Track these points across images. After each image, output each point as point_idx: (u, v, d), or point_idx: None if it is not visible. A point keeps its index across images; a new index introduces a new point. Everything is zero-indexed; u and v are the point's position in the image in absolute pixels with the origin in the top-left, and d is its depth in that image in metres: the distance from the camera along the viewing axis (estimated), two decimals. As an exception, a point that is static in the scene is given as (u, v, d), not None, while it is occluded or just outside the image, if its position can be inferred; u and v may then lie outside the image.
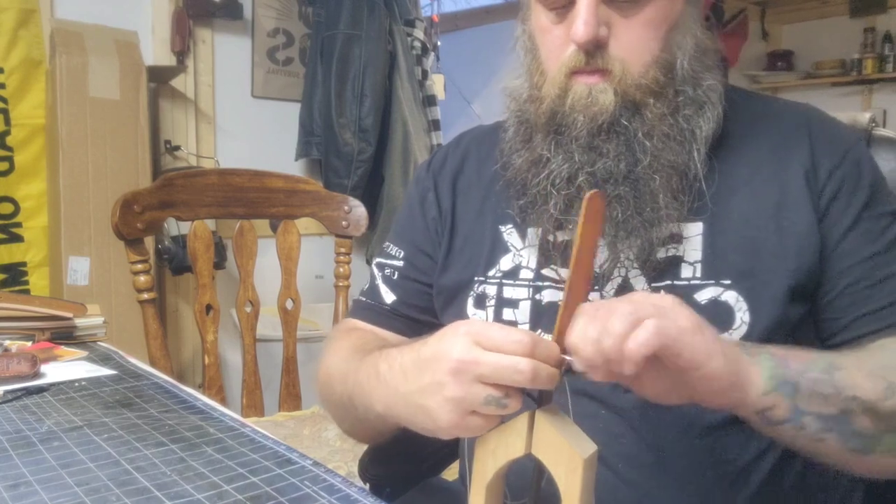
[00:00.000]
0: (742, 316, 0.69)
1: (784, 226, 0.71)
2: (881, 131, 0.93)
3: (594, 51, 0.69)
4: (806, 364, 0.61)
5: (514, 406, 0.55)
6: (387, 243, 0.93)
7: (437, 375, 0.56)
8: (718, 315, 0.69)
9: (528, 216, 0.77)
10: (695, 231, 0.72)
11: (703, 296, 0.71)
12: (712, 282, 0.71)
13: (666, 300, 0.55)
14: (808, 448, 0.63)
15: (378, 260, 0.93)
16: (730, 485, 0.70)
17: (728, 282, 0.70)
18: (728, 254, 0.71)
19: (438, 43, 3.00)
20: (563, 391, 0.69)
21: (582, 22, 0.67)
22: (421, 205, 0.90)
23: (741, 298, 0.70)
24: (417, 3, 2.80)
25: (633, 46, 0.70)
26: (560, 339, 0.56)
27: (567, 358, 0.56)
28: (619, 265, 0.73)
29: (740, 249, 0.71)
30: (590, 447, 0.55)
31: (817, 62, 4.56)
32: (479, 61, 3.70)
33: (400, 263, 0.90)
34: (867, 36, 4.37)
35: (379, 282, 0.91)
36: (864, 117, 0.93)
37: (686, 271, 0.72)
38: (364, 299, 0.92)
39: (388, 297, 0.90)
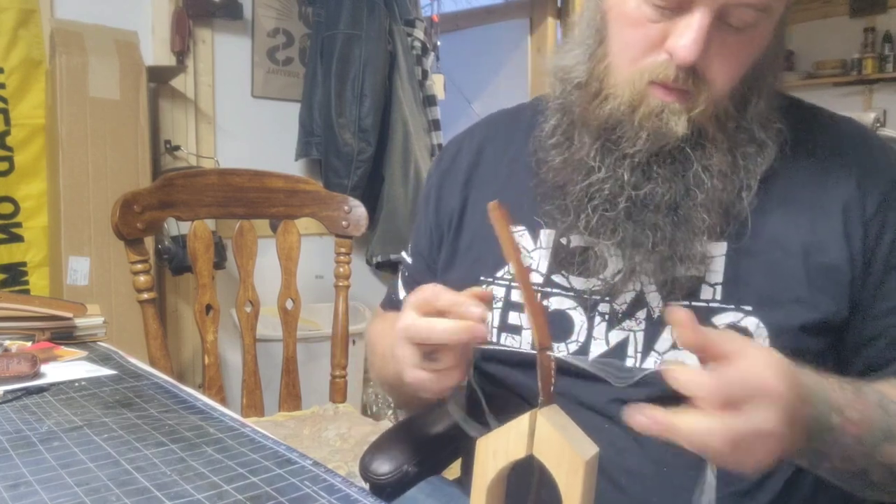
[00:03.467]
0: (762, 343, 0.66)
1: (813, 254, 0.67)
2: (885, 131, 0.93)
3: (687, 70, 0.63)
4: (862, 437, 0.58)
5: (446, 361, 0.60)
6: (411, 238, 0.95)
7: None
8: None
9: (550, 220, 0.74)
10: (718, 251, 0.68)
11: (721, 320, 0.67)
12: (732, 306, 0.67)
13: (775, 424, 0.51)
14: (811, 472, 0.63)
15: (403, 252, 0.96)
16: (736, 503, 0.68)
17: (749, 308, 0.67)
18: (751, 278, 0.67)
19: (438, 43, 3.00)
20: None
21: (693, 42, 0.60)
22: (425, 205, 0.90)
23: (762, 325, 0.66)
24: (417, 3, 2.80)
25: (721, 74, 0.64)
26: (542, 339, 0.57)
27: (552, 354, 0.57)
28: (634, 278, 0.69)
29: (765, 274, 0.67)
30: (591, 449, 0.55)
31: (818, 62, 4.57)
32: (479, 61, 3.71)
33: (410, 262, 0.93)
34: (867, 36, 4.38)
35: (399, 277, 0.96)
36: (869, 118, 0.93)
37: (706, 293, 0.68)
38: (390, 290, 0.97)
39: (402, 293, 0.94)
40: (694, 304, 0.68)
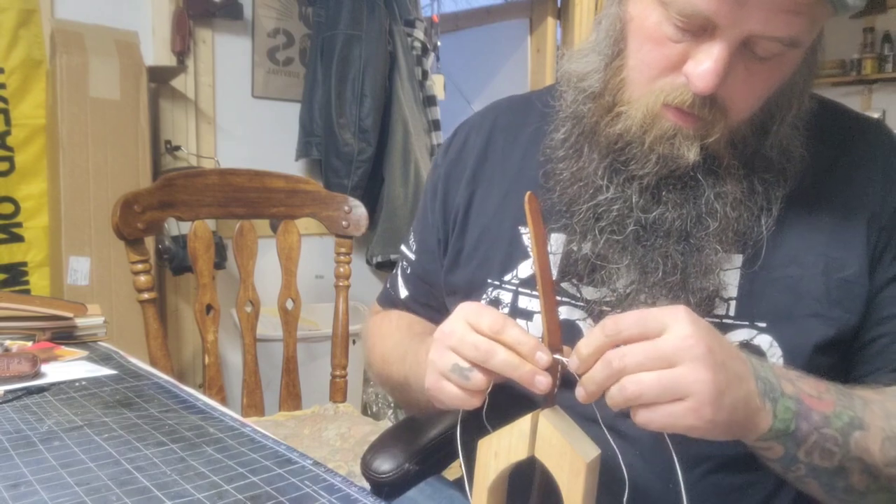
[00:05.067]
0: (775, 361, 0.64)
1: (833, 270, 0.65)
2: None
3: (704, 98, 0.60)
4: (829, 418, 0.58)
5: (477, 381, 0.58)
6: (410, 230, 0.92)
7: (431, 344, 0.62)
8: None
9: (554, 228, 0.72)
10: (733, 263, 0.66)
11: (734, 337, 0.65)
12: (746, 323, 0.65)
13: (697, 350, 0.51)
14: (791, 482, 0.62)
15: (402, 247, 0.92)
16: None
17: (763, 325, 0.65)
18: (767, 294, 0.65)
19: (438, 43, 2.99)
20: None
21: (711, 72, 0.57)
22: (432, 198, 0.86)
23: (776, 344, 0.64)
24: (417, 3, 2.80)
25: (741, 102, 0.61)
26: (553, 340, 0.56)
27: (561, 359, 0.56)
28: (646, 292, 0.66)
29: (781, 290, 0.65)
30: (592, 451, 0.55)
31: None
32: (479, 61, 3.71)
33: (413, 258, 0.90)
34: (867, 36, 4.38)
35: (398, 273, 0.93)
36: (872, 118, 0.92)
37: (719, 308, 0.66)
38: (389, 286, 0.95)
39: (403, 291, 0.92)
40: (707, 319, 0.64)
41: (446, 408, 0.64)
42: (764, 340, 0.65)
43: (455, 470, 0.98)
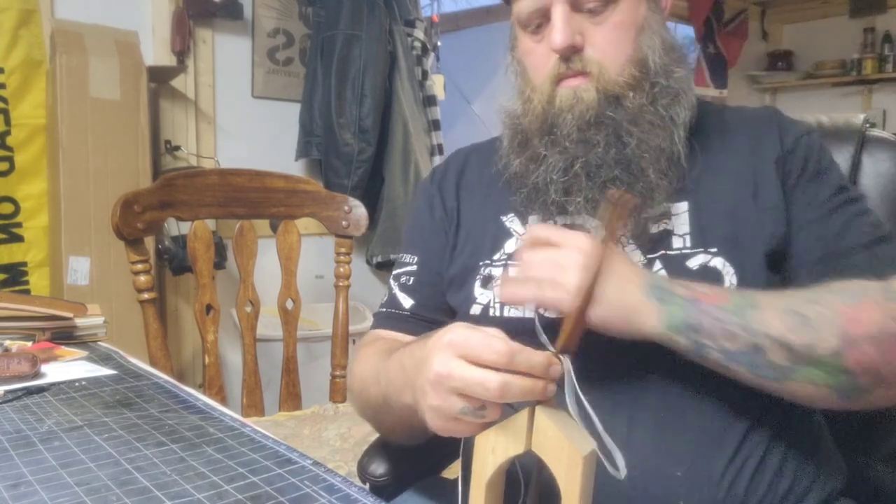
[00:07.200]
0: (730, 279, 0.75)
1: (760, 201, 0.79)
2: (875, 132, 0.95)
3: (572, 56, 0.78)
4: (718, 306, 0.67)
5: (493, 416, 0.58)
6: (400, 255, 0.97)
7: (421, 382, 0.61)
8: (708, 279, 0.74)
9: (528, 207, 0.83)
10: (682, 209, 0.79)
11: (693, 262, 0.76)
12: (701, 250, 0.77)
13: (571, 258, 0.66)
14: (722, 372, 0.68)
15: (394, 272, 0.96)
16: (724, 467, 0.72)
17: (715, 249, 0.77)
18: (713, 225, 0.78)
19: (438, 43, 3.00)
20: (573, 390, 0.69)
21: (557, 32, 0.76)
22: (429, 209, 0.94)
23: (727, 263, 0.76)
24: (417, 3, 2.80)
25: (607, 48, 0.78)
26: (567, 343, 0.57)
27: (563, 358, 0.57)
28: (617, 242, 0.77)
29: (724, 221, 0.78)
30: (589, 444, 0.55)
31: (817, 62, 4.57)
32: (479, 61, 3.70)
33: (415, 268, 0.93)
34: (867, 36, 4.38)
35: (396, 291, 0.95)
36: (859, 118, 0.95)
37: (677, 242, 0.78)
38: (384, 309, 0.96)
39: (407, 302, 0.93)
40: (668, 253, 0.78)
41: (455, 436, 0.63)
42: (718, 262, 0.76)
43: (453, 470, 0.98)
